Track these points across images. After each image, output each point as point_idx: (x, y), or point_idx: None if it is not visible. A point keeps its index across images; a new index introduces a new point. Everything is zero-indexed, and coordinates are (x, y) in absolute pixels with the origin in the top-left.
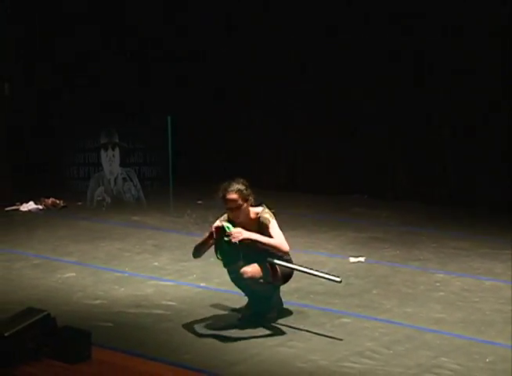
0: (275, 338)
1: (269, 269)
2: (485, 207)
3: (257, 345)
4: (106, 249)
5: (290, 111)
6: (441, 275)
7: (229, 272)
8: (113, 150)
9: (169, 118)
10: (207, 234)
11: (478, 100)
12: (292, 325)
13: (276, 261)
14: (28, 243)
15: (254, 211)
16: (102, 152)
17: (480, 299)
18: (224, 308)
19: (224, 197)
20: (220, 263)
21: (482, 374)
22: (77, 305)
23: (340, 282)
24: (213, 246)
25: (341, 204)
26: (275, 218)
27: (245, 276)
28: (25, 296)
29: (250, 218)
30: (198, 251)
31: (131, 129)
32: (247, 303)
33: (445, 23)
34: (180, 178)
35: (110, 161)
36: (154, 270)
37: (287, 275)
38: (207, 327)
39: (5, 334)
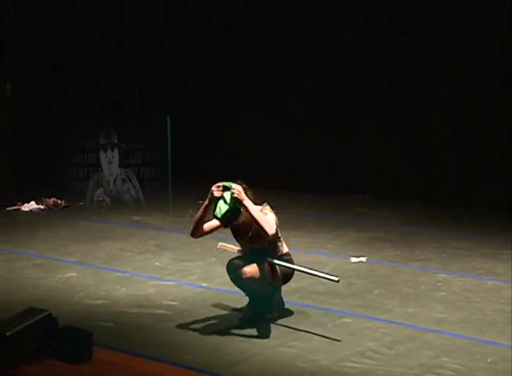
0: (277, 338)
1: (269, 269)
2: (485, 207)
3: (259, 345)
4: (108, 249)
5: (290, 111)
6: (443, 275)
7: (229, 273)
8: (112, 150)
9: (168, 119)
10: (206, 201)
11: (478, 100)
12: (293, 325)
13: (276, 261)
14: (29, 243)
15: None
16: (102, 153)
17: (481, 299)
18: (225, 308)
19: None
20: (221, 263)
21: (483, 374)
22: (79, 305)
23: (338, 281)
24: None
25: (342, 204)
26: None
27: (244, 276)
28: (26, 296)
29: (251, 219)
30: (197, 227)
31: (130, 129)
32: (248, 303)
33: (445, 23)
34: (180, 178)
35: (110, 162)
36: (155, 270)
37: (287, 275)
38: (209, 327)
39: (7, 334)
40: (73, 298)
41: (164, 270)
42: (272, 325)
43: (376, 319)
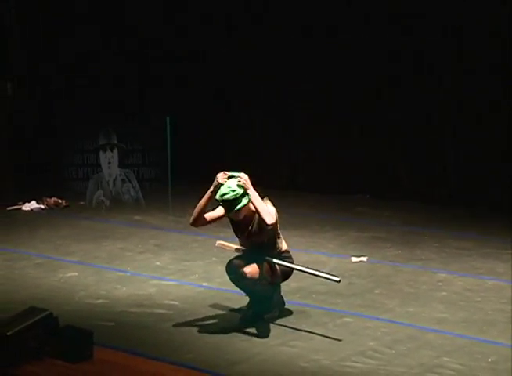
0: (277, 337)
1: (268, 269)
2: (485, 207)
3: (259, 344)
4: (108, 248)
5: (290, 111)
6: (444, 275)
7: (228, 273)
8: (111, 151)
9: (168, 119)
10: (211, 188)
11: (478, 100)
12: (294, 325)
13: (275, 260)
14: (30, 242)
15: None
16: (101, 153)
17: (482, 299)
18: (226, 307)
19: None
20: (221, 263)
21: (484, 373)
22: (79, 305)
23: (339, 282)
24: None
25: (343, 203)
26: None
27: (244, 276)
28: (27, 295)
29: (252, 211)
30: (199, 215)
31: (130, 130)
32: (249, 303)
33: (445, 23)
34: (180, 178)
35: (109, 163)
36: (156, 270)
37: (286, 273)
38: (209, 326)
39: (8, 334)
40: (73, 297)
41: (164, 270)
42: (273, 325)
43: (377, 318)
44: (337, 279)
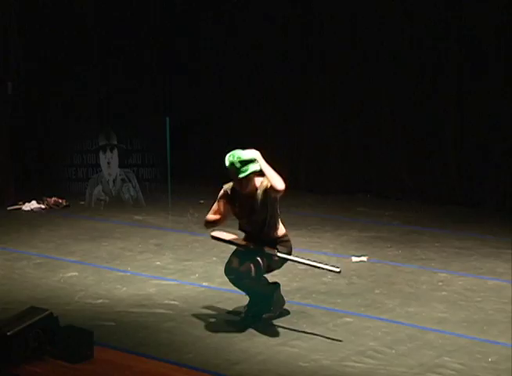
0: (278, 337)
1: (265, 261)
2: (486, 207)
3: (260, 344)
4: (109, 248)
5: (290, 111)
6: (444, 274)
7: (227, 274)
8: (111, 152)
9: (168, 119)
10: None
11: (478, 100)
12: (294, 324)
13: (278, 254)
14: (31, 242)
15: (259, 180)
16: (101, 154)
17: (482, 299)
18: (226, 307)
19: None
20: (221, 262)
21: (485, 373)
22: (80, 305)
23: (340, 272)
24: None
25: (344, 203)
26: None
27: (243, 273)
28: (27, 295)
29: (256, 187)
30: (213, 224)
31: (129, 130)
32: (249, 302)
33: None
34: (180, 178)
35: (109, 163)
36: (156, 269)
37: (284, 259)
38: (210, 326)
39: (8, 333)
40: (74, 297)
41: (164, 270)
42: (273, 324)
43: (378, 318)
44: (338, 269)
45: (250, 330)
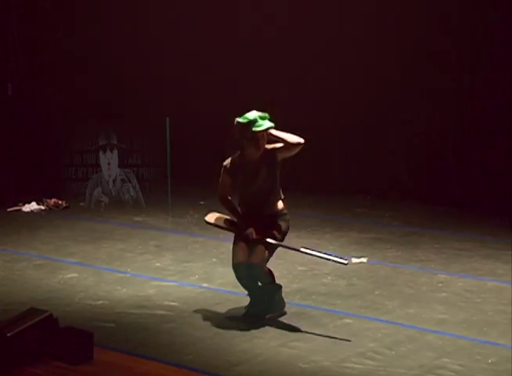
0: (278, 338)
1: (267, 246)
2: (486, 208)
3: (260, 345)
4: (109, 250)
5: (290, 111)
6: (444, 276)
7: (239, 278)
8: (111, 151)
9: (168, 119)
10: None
11: (478, 101)
12: (294, 326)
13: (282, 244)
14: (30, 243)
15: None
16: (101, 154)
17: (482, 300)
18: (226, 308)
19: (256, 133)
20: (221, 264)
21: (485, 374)
22: (79, 306)
23: (347, 264)
24: None
25: (343, 204)
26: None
27: (254, 266)
28: (27, 296)
29: (261, 157)
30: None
31: (130, 130)
32: (249, 303)
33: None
34: (180, 179)
35: (109, 163)
36: (156, 271)
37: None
38: (210, 327)
39: (8, 335)
40: (73, 298)
41: (164, 271)
42: (273, 326)
43: (377, 319)
44: (345, 261)
45: (251, 332)
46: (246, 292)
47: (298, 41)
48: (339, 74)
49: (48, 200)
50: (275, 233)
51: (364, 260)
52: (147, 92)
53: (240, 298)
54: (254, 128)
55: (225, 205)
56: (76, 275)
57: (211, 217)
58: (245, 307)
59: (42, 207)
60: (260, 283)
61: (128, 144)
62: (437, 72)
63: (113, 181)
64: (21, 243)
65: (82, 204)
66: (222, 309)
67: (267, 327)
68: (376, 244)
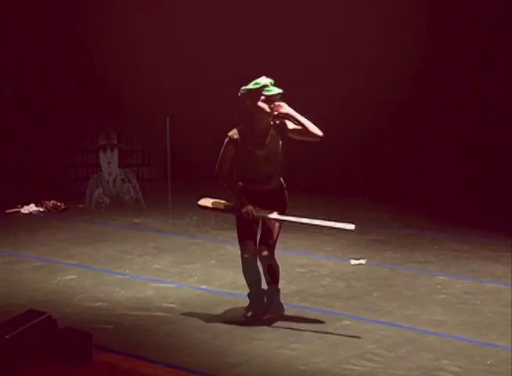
0: (277, 340)
1: (278, 225)
2: (485, 210)
3: (259, 347)
4: (107, 251)
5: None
6: (442, 277)
7: (247, 276)
8: (111, 151)
9: (168, 119)
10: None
11: (477, 102)
12: (293, 327)
13: (286, 218)
14: (29, 245)
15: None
16: (101, 153)
17: (481, 301)
18: (225, 310)
19: (269, 97)
20: (220, 266)
21: None
22: (78, 308)
23: (353, 231)
24: None
25: (343, 206)
26: None
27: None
28: (26, 298)
29: (268, 127)
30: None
31: (130, 130)
32: (248, 305)
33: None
34: (180, 179)
35: (109, 163)
36: (155, 272)
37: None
38: (208, 329)
39: (6, 337)
40: (72, 300)
41: (163, 272)
42: (272, 327)
43: (376, 321)
44: (352, 227)
45: (250, 333)
46: (246, 293)
47: (300, 47)
48: (339, 74)
49: (47, 202)
50: (281, 206)
51: (363, 262)
52: (147, 92)
53: (239, 299)
54: (265, 93)
55: (223, 182)
56: (75, 277)
57: (206, 201)
58: (244, 308)
59: (41, 209)
60: (264, 278)
61: (127, 144)
62: (437, 72)
63: (114, 181)
64: (20, 245)
65: (81, 205)
66: (221, 310)
67: (266, 329)
68: (374, 246)
